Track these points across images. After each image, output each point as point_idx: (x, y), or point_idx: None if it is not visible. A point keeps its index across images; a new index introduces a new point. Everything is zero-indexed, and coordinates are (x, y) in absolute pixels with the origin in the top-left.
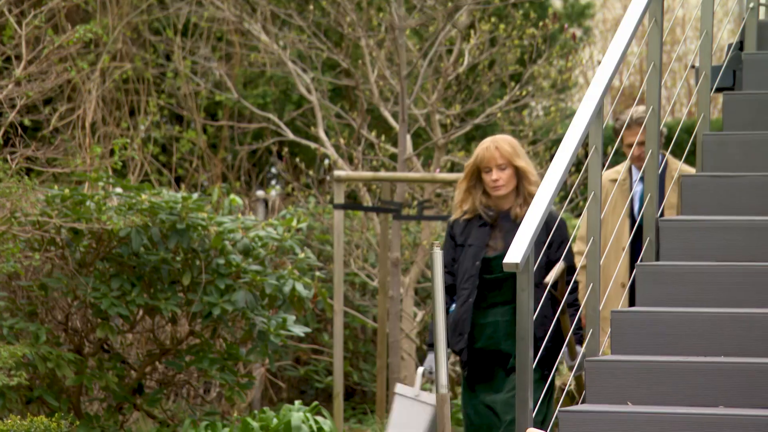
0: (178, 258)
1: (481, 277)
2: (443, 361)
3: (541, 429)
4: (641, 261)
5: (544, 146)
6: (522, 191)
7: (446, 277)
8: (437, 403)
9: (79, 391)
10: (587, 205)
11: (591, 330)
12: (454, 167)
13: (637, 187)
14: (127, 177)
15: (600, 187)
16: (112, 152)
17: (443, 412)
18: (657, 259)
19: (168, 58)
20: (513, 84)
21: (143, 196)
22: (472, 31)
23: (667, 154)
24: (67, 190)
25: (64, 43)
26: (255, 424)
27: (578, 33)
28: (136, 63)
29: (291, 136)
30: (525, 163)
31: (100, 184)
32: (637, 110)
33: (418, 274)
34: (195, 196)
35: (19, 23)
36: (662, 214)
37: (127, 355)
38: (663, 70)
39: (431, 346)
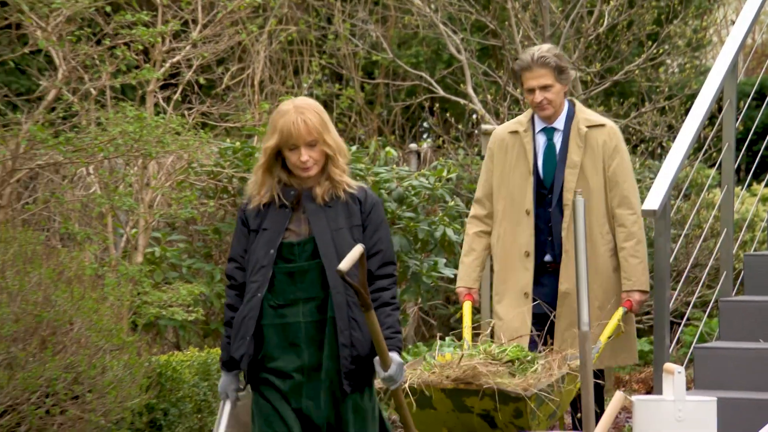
0: None
1: (276, 267)
2: (584, 297)
3: None
4: None
5: (679, 101)
6: (331, 173)
7: (236, 273)
8: (580, 341)
9: None
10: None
11: (725, 272)
12: None
13: (540, 140)
14: None
15: (734, 140)
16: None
17: (585, 348)
18: None
19: (329, 21)
20: (650, 43)
21: None
22: None
23: (577, 103)
24: (238, 143)
25: (236, 8)
26: (409, 358)
27: None
28: (300, 26)
29: (441, 92)
30: (333, 137)
31: None
32: (540, 49)
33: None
34: (354, 148)
35: None
36: (562, 173)
37: None
38: None
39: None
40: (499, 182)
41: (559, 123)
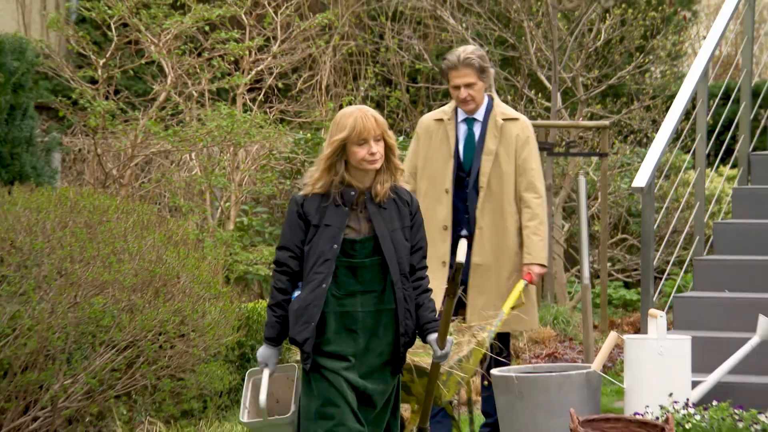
0: None
1: (338, 261)
2: (586, 256)
3: None
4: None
5: (661, 101)
6: (390, 166)
7: (290, 262)
8: (582, 292)
9: None
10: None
11: (698, 237)
12: (593, 116)
13: (462, 128)
14: None
15: (705, 131)
16: (341, 107)
17: (586, 297)
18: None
19: (381, 37)
20: (638, 54)
21: None
22: (607, 15)
23: (495, 98)
24: (309, 135)
25: (307, 27)
26: None
27: (688, 15)
28: (358, 41)
29: None
30: (391, 135)
31: None
32: (465, 50)
33: (565, 196)
34: (401, 138)
35: (276, 12)
36: (479, 159)
37: None
38: (754, 42)
39: (264, 340)
40: (424, 164)
41: (479, 115)
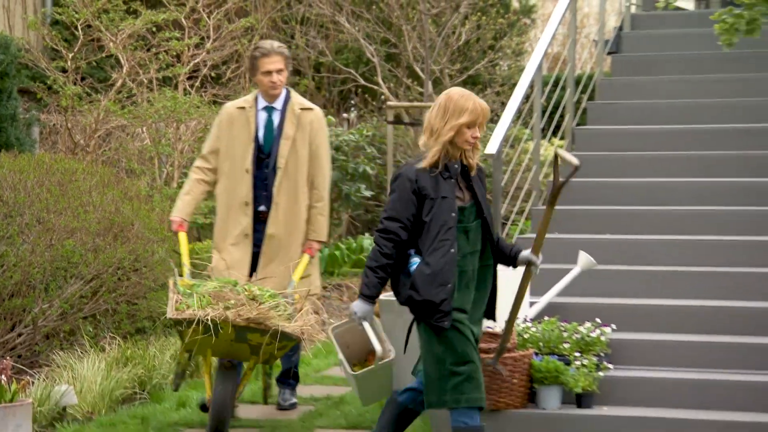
0: None
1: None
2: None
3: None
4: None
5: (508, 87)
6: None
7: (400, 232)
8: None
9: None
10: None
11: (534, 192)
12: None
13: (261, 116)
14: None
15: (540, 111)
16: None
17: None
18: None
19: (292, 37)
20: (490, 51)
21: None
22: (466, 20)
23: (292, 90)
24: None
25: (234, 28)
26: (343, 246)
27: (528, 21)
28: (274, 40)
29: (362, 82)
30: None
31: None
32: (274, 43)
33: None
34: None
35: (209, 17)
36: (278, 143)
37: None
38: (576, 42)
39: (361, 297)
40: (226, 146)
41: (278, 104)
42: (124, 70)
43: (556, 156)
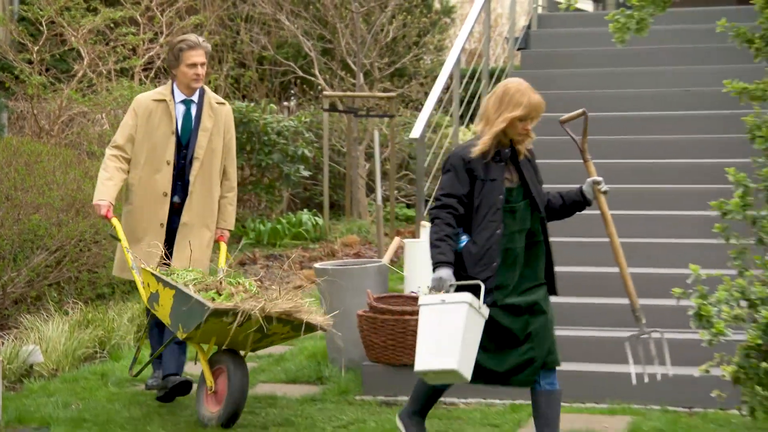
0: (244, 137)
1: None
2: (379, 186)
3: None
4: None
5: (431, 79)
6: None
7: (458, 205)
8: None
9: None
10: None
11: None
12: (385, 90)
13: (179, 108)
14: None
15: (458, 100)
16: (209, 83)
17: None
18: None
19: (238, 33)
20: (415, 47)
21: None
22: (393, 19)
23: (207, 87)
24: None
25: (185, 25)
26: (284, 221)
27: (448, 20)
28: (222, 36)
29: (300, 73)
30: None
31: None
32: (199, 37)
33: (366, 145)
34: (252, 105)
35: (162, 14)
36: (196, 135)
37: None
38: (490, 39)
39: (440, 264)
40: (143, 137)
41: (195, 97)
42: (85, 62)
43: (581, 114)
